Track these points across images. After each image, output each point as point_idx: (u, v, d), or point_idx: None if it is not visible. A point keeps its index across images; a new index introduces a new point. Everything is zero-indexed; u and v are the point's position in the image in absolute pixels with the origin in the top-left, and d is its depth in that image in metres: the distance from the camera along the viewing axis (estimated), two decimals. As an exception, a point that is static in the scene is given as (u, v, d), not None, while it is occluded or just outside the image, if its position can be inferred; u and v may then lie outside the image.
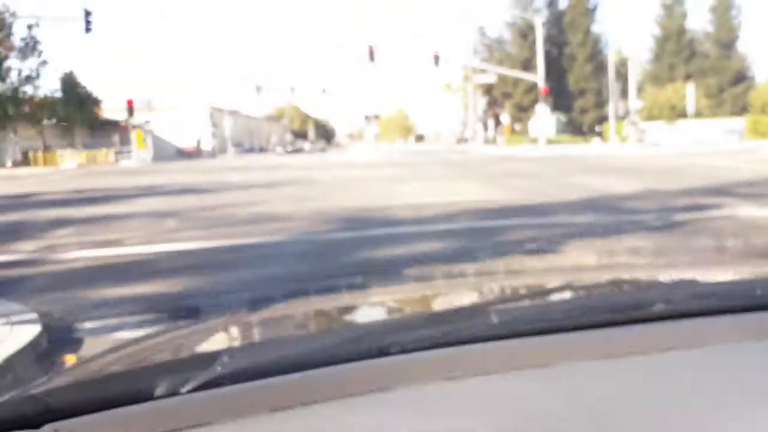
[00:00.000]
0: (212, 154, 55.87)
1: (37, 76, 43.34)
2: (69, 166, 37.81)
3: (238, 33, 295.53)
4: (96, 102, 49.17)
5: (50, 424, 0.65)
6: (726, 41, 50.34)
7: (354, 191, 12.54)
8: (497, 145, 57.81)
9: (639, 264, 4.98)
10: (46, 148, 43.86)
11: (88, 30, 27.11)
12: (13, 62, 42.36)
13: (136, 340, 1.12)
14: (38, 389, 0.78)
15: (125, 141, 43.92)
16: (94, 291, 4.81)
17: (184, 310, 4.38)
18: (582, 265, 5.00)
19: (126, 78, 54.41)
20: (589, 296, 1.10)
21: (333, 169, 24.28)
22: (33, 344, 3.41)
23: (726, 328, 0.82)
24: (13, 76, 42.35)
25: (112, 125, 51.28)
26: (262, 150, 76.92)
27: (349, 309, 1.34)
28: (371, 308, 1.37)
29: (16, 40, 42.01)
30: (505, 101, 62.89)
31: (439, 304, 1.31)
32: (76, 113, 46.15)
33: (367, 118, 47.18)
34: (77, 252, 6.52)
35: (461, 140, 77.43)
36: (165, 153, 56.14)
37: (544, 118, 40.22)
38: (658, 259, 5.24)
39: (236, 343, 1.11)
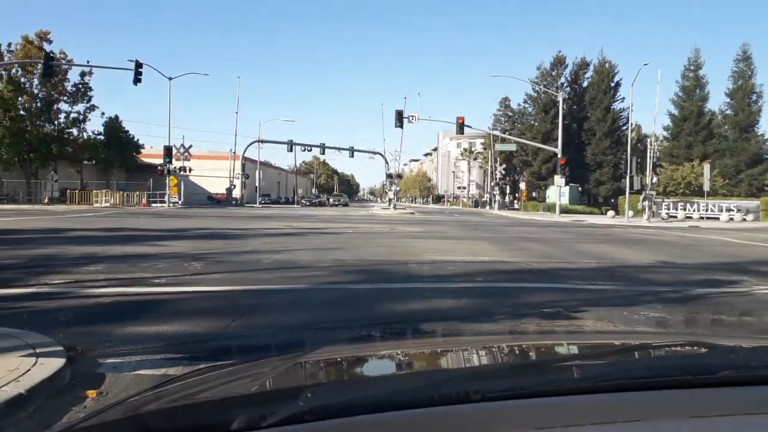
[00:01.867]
0: (240, 203, 57.77)
1: (84, 119, 46.12)
2: (102, 206, 39.58)
3: (275, 89, 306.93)
4: (136, 146, 51.81)
5: None
6: (745, 125, 51.51)
7: (374, 245, 13.44)
8: (514, 210, 59.00)
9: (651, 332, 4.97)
10: (84, 187, 46.10)
11: (137, 81, 29.19)
12: (62, 105, 45.26)
13: (185, 376, 1.14)
14: (141, 410, 0.83)
15: (159, 185, 45.98)
16: (118, 328, 4.93)
17: (206, 350, 4.47)
18: (605, 330, 4.98)
19: (167, 123, 57.36)
20: (667, 356, 1.08)
21: (355, 222, 25.47)
22: (57, 377, 3.50)
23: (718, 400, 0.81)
24: (62, 118, 45.11)
25: (149, 169, 53.79)
26: (287, 201, 78.99)
27: (428, 354, 1.33)
28: (452, 354, 1.34)
29: (69, 85, 45.03)
30: (524, 169, 64.53)
31: (514, 357, 1.27)
32: (116, 156, 48.62)
33: (389, 176, 48.78)
34: (104, 288, 6.77)
35: (479, 203, 78.96)
36: (196, 198, 58.33)
37: (561, 187, 41.30)
38: (671, 330, 5.17)
39: (310, 382, 1.11)
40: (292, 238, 15.35)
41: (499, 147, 48.21)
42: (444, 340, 2.04)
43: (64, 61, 42.52)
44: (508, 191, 68.18)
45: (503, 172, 61.93)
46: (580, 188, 59.40)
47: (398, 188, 51.79)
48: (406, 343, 1.86)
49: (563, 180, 40.93)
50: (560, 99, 44.90)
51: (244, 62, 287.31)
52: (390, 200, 47.46)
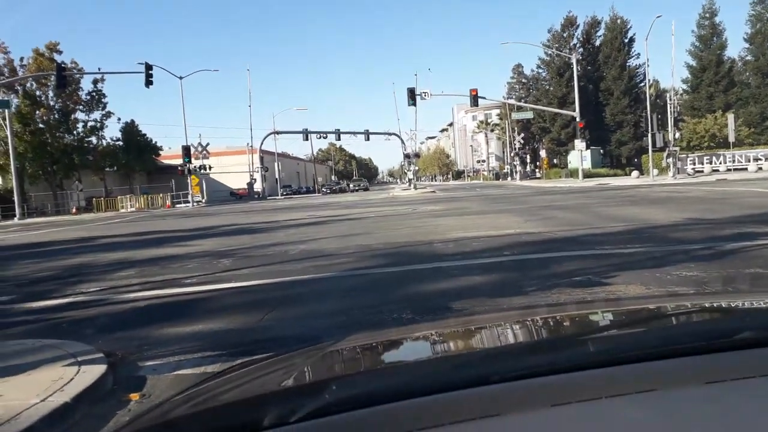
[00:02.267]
0: (262, 196, 58.27)
1: (101, 127, 46.76)
2: (128, 211, 40.25)
3: (286, 79, 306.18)
4: (155, 149, 52.44)
5: None
6: (767, 69, 50.02)
7: (398, 227, 13.45)
8: (536, 180, 58.41)
9: (689, 293, 4.79)
10: (108, 194, 46.89)
11: (148, 84, 29.42)
12: (79, 114, 45.91)
13: (216, 375, 1.16)
14: (171, 416, 0.84)
15: (181, 185, 46.55)
16: (155, 330, 5.02)
17: (242, 345, 4.47)
18: (640, 294, 4.93)
19: (182, 123, 57.80)
20: (681, 323, 1.10)
21: (376, 206, 25.48)
22: (99, 383, 3.59)
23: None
24: (80, 128, 45.78)
25: (170, 170, 54.49)
26: (308, 191, 79.42)
27: (444, 337, 1.34)
28: (426, 343, 1.34)
29: (83, 94, 45.62)
30: (542, 136, 63.72)
31: (496, 339, 1.28)
32: (136, 160, 49.29)
33: (407, 156, 48.49)
34: (138, 293, 6.85)
35: (500, 175, 78.35)
36: (219, 195, 59.02)
37: (582, 152, 40.72)
38: (707, 289, 5.13)
39: (337, 373, 1.13)
40: (316, 227, 15.43)
41: (515, 116, 47.64)
42: (470, 318, 2.05)
43: (75, 71, 43.03)
44: (528, 160, 67.45)
45: (522, 142, 61.25)
46: (601, 151, 58.49)
47: (417, 168, 51.55)
48: (432, 326, 1.85)
49: (584, 144, 40.36)
50: (574, 60, 44.14)
51: (252, 55, 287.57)
52: (410, 180, 47.31)
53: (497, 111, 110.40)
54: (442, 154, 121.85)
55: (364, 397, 0.75)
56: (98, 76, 45.43)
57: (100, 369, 3.75)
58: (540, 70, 65.63)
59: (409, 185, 48.07)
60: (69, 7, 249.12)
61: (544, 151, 57.57)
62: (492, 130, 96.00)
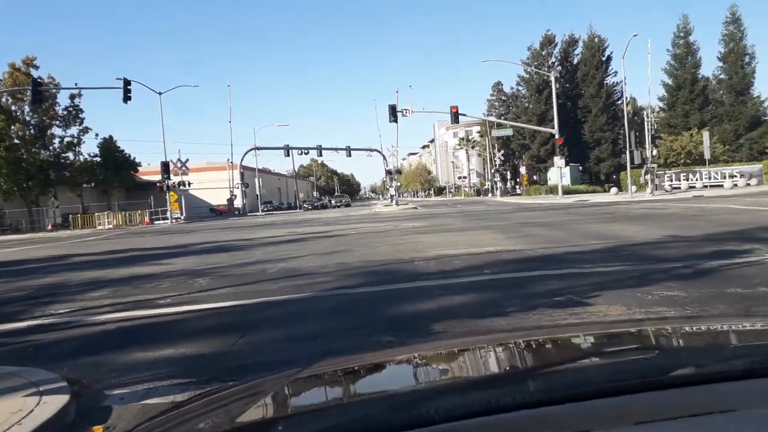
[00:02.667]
0: (243, 212, 57.82)
1: (78, 142, 46.08)
2: (106, 228, 39.59)
3: (267, 94, 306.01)
4: (133, 165, 51.79)
5: None
6: (740, 87, 51.19)
7: (378, 244, 13.34)
8: (516, 196, 58.84)
9: (670, 317, 4.72)
10: (85, 210, 46.12)
11: (127, 99, 29.09)
12: (56, 130, 45.23)
13: (180, 404, 1.13)
14: None
15: (160, 202, 46.01)
16: (124, 355, 4.84)
17: (213, 372, 4.30)
18: (611, 320, 4.85)
19: (160, 139, 57.14)
20: (620, 361, 1.09)
21: (358, 222, 25.37)
22: (61, 415, 3.39)
23: (754, 392, 0.80)
24: (56, 143, 45.10)
25: (149, 186, 53.89)
26: (290, 207, 79.03)
27: (385, 371, 1.30)
28: (404, 370, 1.31)
29: (59, 109, 45.00)
30: (522, 153, 64.36)
31: (475, 367, 1.26)
32: (114, 177, 48.63)
33: (388, 172, 48.52)
34: (109, 314, 6.61)
35: (481, 191, 78.86)
36: (199, 212, 58.45)
37: (561, 168, 41.11)
38: (687, 310, 5.08)
39: (288, 409, 1.10)
40: (295, 245, 15.26)
41: (495, 133, 48.02)
42: (446, 343, 2.02)
43: (52, 86, 42.49)
44: (508, 177, 68.03)
45: (502, 158, 61.74)
46: (580, 167, 59.21)
47: (399, 184, 51.61)
48: (408, 350, 1.79)
49: (563, 160, 40.77)
50: (552, 78, 44.74)
51: (232, 71, 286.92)
52: (392, 197, 47.30)
53: (478, 128, 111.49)
54: (424, 170, 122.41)
55: None
56: (75, 92, 44.96)
57: (62, 399, 3.56)
58: (519, 87, 66.47)
59: (391, 201, 48.08)
60: (44, 20, 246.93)
61: (524, 167, 58.02)
62: (473, 147, 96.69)
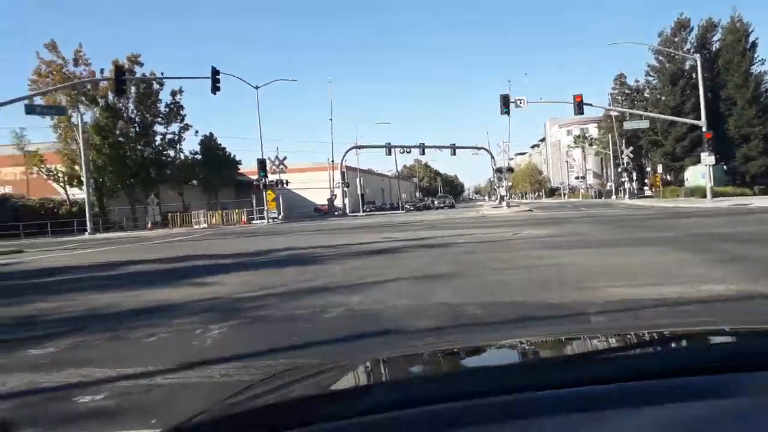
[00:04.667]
0: (343, 212, 55.37)
1: (179, 139, 45.61)
2: (200, 227, 38.32)
3: (369, 90, 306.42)
4: (234, 163, 50.86)
5: None
6: None
7: (501, 265, 9.27)
8: (646, 198, 51.63)
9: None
10: (186, 209, 45.45)
11: (215, 90, 26.99)
12: (157, 127, 44.98)
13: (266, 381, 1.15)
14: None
15: (262, 201, 44.40)
16: None
17: None
18: None
19: (258, 136, 55.28)
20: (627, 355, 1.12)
21: (465, 227, 21.32)
22: None
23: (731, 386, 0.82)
24: (158, 140, 44.80)
25: (251, 185, 52.82)
26: (392, 207, 76.25)
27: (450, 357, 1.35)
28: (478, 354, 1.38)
29: (161, 106, 44.69)
30: (650, 151, 56.73)
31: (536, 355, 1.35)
32: (214, 174, 47.76)
33: (498, 170, 43.57)
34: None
35: (603, 193, 71.38)
36: (301, 211, 56.84)
37: (710, 166, 34.42)
38: None
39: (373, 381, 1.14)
40: (385, 258, 11.50)
41: (628, 125, 41.57)
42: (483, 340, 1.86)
43: (138, 77, 41.81)
44: (634, 177, 60.39)
45: (631, 156, 54.47)
46: (725, 167, 50.95)
47: (510, 183, 46.62)
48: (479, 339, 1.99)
49: (712, 157, 34.06)
50: (698, 61, 37.90)
51: (332, 65, 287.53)
52: (501, 197, 42.57)
53: (595, 124, 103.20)
54: (534, 170, 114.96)
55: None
56: (176, 88, 44.46)
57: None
58: (649, 78, 58.80)
59: (500, 202, 43.36)
60: (147, 21, 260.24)
61: (660, 166, 50.60)
62: (590, 144, 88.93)
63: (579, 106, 34.20)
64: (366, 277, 8.59)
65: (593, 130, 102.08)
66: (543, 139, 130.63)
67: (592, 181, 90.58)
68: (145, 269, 12.60)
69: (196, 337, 5.29)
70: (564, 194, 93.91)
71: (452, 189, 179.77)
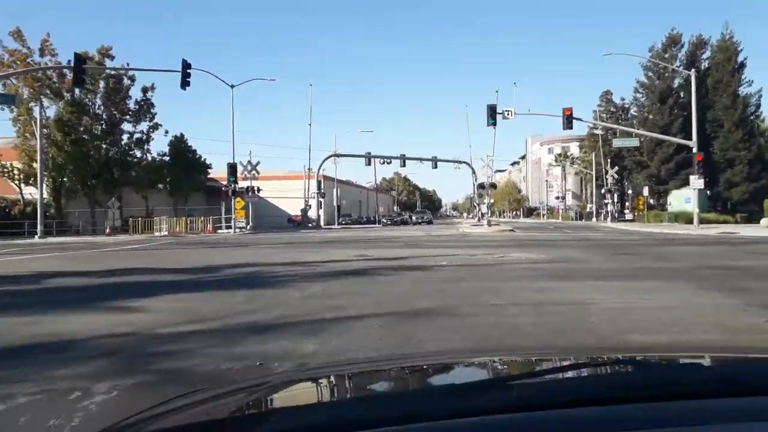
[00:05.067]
0: (317, 224, 53.41)
1: (148, 139, 43.22)
2: (160, 234, 35.99)
3: (349, 97, 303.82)
4: (204, 166, 48.46)
5: None
6: None
7: (496, 298, 7.51)
8: (628, 222, 50.64)
9: None
10: (149, 214, 42.94)
11: (185, 85, 25.00)
12: (125, 126, 42.60)
13: (187, 397, 1.11)
14: None
15: (230, 208, 42.07)
16: None
17: None
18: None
19: (230, 139, 51.27)
20: (600, 373, 1.12)
21: (446, 246, 19.61)
22: None
23: (731, 410, 0.83)
24: (124, 139, 42.38)
25: (219, 192, 50.51)
26: (369, 221, 74.34)
27: (373, 377, 1.34)
28: (395, 378, 1.36)
29: (131, 103, 42.33)
30: (637, 172, 55.91)
31: (462, 378, 1.32)
32: (183, 178, 45.39)
33: (481, 186, 41.99)
34: None
35: (583, 215, 70.52)
36: (273, 222, 54.45)
37: (698, 190, 33.37)
38: None
39: (266, 409, 1.09)
40: (356, 283, 9.66)
41: (618, 143, 40.42)
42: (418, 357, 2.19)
43: (102, 67, 39.44)
44: (615, 200, 59.55)
45: (616, 176, 53.44)
46: (708, 192, 50.22)
47: (492, 201, 45.18)
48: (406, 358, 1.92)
49: (701, 181, 32.99)
50: (692, 77, 36.93)
51: (312, 69, 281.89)
52: (482, 215, 41.03)
53: (577, 144, 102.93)
54: (514, 188, 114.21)
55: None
56: (148, 85, 42.17)
57: None
58: (638, 95, 57.96)
59: (481, 220, 41.85)
60: (119, 12, 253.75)
61: (646, 189, 49.50)
62: (572, 163, 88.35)
63: (569, 119, 32.92)
64: (329, 311, 6.76)
65: (575, 149, 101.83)
66: (523, 157, 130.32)
67: (571, 201, 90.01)
68: (69, 284, 10.57)
69: (65, 408, 3.45)
70: (542, 214, 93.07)
71: (430, 204, 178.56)
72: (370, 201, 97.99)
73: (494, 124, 34.49)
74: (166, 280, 10.69)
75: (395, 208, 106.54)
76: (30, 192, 38.88)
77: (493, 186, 43.83)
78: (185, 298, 8.30)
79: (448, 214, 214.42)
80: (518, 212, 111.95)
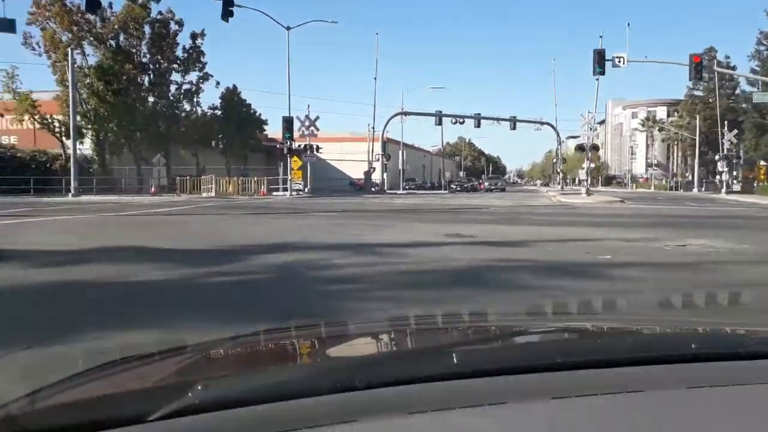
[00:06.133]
0: (381, 189, 48.66)
1: (197, 91, 39.24)
2: (207, 196, 32.04)
3: (419, 50, 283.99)
4: (258, 122, 44.10)
5: None
6: None
7: None
8: (744, 194, 42.94)
9: None
10: (200, 173, 39.13)
11: (226, 15, 20.31)
12: (173, 76, 38.71)
13: (116, 363, 1.11)
14: (14, 410, 0.79)
15: (287, 169, 37.71)
16: None
17: None
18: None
19: (288, 93, 44.98)
20: (540, 341, 1.15)
21: (564, 224, 14.29)
22: None
23: (659, 377, 0.86)
24: (172, 90, 38.54)
25: (275, 150, 46.28)
26: (433, 186, 69.13)
27: (319, 343, 1.35)
28: (343, 343, 1.37)
29: (179, 50, 38.30)
30: (756, 137, 47.57)
31: (407, 344, 1.35)
32: (235, 135, 41.28)
33: (581, 148, 35.57)
34: None
35: (680, 185, 62.40)
36: (335, 184, 50.04)
37: None
38: None
39: (212, 373, 1.09)
40: (445, 294, 4.54)
41: (759, 97, 33.05)
42: (366, 326, 2.20)
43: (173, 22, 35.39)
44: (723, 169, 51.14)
45: (734, 141, 45.39)
46: None
47: (592, 165, 38.80)
48: (326, 330, 1.58)
49: None
50: None
51: (379, 17, 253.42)
52: (581, 182, 34.97)
53: (664, 108, 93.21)
54: (592, 155, 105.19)
55: (224, 400, 0.75)
56: (198, 31, 37.93)
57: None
58: (761, 47, 49.17)
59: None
60: None
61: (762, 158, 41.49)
62: (660, 129, 79.41)
63: (697, 68, 26.31)
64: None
65: (662, 114, 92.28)
66: (602, 122, 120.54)
67: (655, 171, 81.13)
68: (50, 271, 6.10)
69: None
70: (625, 184, 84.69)
71: (495, 170, 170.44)
72: (434, 165, 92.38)
73: (602, 72, 28.13)
74: (163, 278, 6.00)
75: (461, 173, 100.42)
76: (79, 148, 35.77)
77: (596, 147, 37.39)
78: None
79: (512, 181, 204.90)
80: (596, 180, 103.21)
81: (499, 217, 17.11)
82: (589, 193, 32.20)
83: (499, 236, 11.08)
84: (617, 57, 28.14)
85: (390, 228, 12.76)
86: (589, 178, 37.21)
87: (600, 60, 27.83)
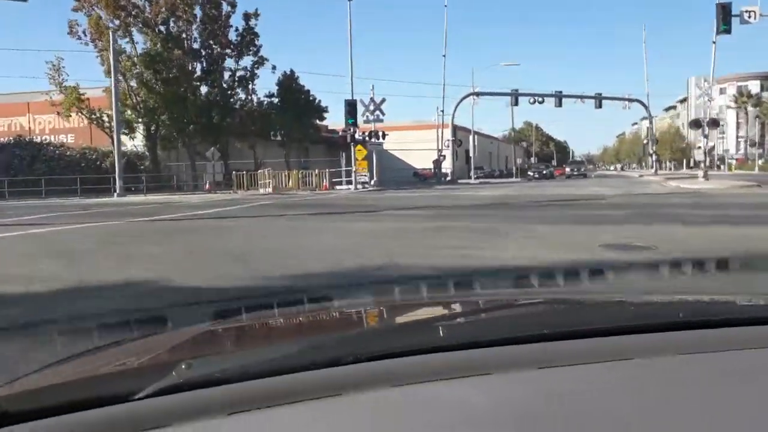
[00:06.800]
0: (451, 179, 44.61)
1: (252, 77, 36.36)
2: (264, 192, 29.04)
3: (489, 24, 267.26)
4: (318, 110, 40.90)
5: (6, 428, 0.68)
6: None
7: None
8: None
9: None
10: (258, 167, 36.33)
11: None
12: (226, 62, 35.96)
13: (98, 348, 1.12)
14: None
15: (350, 160, 34.38)
16: None
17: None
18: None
19: (350, 73, 40.57)
20: (526, 313, 1.16)
21: (733, 222, 10.08)
22: None
23: (648, 345, 0.86)
24: (225, 77, 35.80)
25: (336, 140, 43.00)
26: (502, 174, 64.59)
27: (304, 320, 1.39)
28: (329, 319, 1.40)
29: (232, 33, 35.48)
30: None
31: (393, 318, 1.35)
32: (294, 124, 38.27)
33: (696, 124, 30.40)
34: None
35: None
36: (397, 176, 46.47)
37: None
38: None
39: (197, 352, 1.10)
40: None
41: None
42: (354, 302, 2.67)
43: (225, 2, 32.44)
44: None
45: None
46: None
47: (711, 144, 33.36)
48: (315, 309, 1.83)
49: None
50: None
51: None
52: (700, 163, 29.85)
53: (757, 81, 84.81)
54: (677, 135, 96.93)
55: (210, 378, 0.76)
56: (251, 11, 34.97)
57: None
58: None
59: (697, 169, 30.63)
60: None
61: None
62: (755, 105, 71.46)
63: None
64: None
65: (755, 88, 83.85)
66: (683, 100, 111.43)
67: (741, 151, 73.15)
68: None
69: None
70: (718, 165, 76.94)
71: (563, 155, 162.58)
72: (500, 153, 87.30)
73: (727, 30, 23.22)
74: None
75: (531, 159, 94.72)
76: (130, 144, 33.68)
77: (716, 123, 31.99)
78: None
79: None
80: (681, 162, 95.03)
81: (632, 212, 12.88)
82: (707, 176, 27.11)
83: (686, 246, 7.13)
84: (747, 11, 23.05)
85: (504, 236, 8.91)
86: (707, 159, 31.77)
87: (725, 16, 22.86)
